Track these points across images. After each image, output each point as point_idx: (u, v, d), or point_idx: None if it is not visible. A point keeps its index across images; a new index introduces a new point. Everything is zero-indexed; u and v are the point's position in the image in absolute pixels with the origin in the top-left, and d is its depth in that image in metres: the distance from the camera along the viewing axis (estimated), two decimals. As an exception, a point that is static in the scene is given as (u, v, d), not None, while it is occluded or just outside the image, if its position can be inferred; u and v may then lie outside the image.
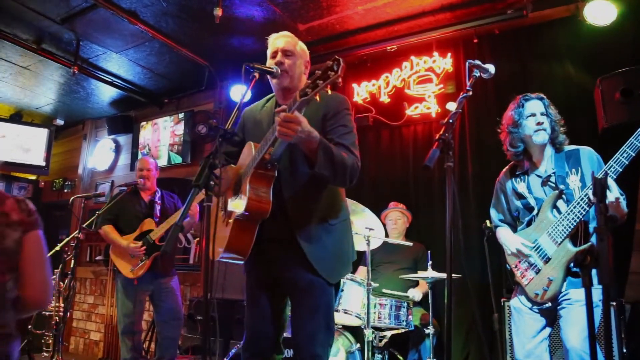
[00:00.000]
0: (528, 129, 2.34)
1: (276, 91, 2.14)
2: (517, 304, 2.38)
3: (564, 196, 2.24)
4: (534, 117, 2.34)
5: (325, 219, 1.97)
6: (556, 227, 2.18)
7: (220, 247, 1.99)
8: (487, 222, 2.69)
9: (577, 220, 2.12)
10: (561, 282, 2.14)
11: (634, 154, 2.02)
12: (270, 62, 2.07)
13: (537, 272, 2.23)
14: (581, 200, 2.11)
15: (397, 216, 4.03)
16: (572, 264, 2.13)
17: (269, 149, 1.84)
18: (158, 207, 3.90)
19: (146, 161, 4.01)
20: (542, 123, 2.32)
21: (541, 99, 2.40)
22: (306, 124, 1.74)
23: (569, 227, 2.13)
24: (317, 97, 1.71)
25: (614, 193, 2.02)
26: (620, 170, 2.03)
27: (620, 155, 2.03)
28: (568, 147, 2.37)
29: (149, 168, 3.97)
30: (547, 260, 2.20)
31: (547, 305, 2.23)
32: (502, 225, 2.53)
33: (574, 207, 2.13)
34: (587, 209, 2.10)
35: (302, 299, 1.94)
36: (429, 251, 3.52)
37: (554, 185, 2.29)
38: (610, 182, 2.02)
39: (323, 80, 1.61)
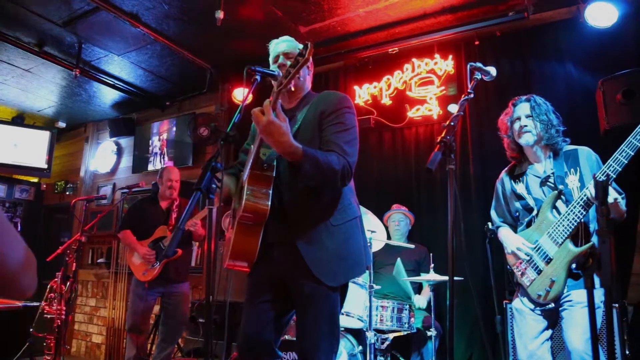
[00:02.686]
0: (515, 133, 2.40)
1: (281, 96, 2.14)
2: (518, 305, 2.38)
3: (563, 196, 2.25)
4: (519, 120, 2.39)
5: (326, 220, 1.90)
6: (556, 228, 2.18)
7: (227, 254, 1.97)
8: (489, 224, 2.70)
9: (577, 220, 2.12)
10: (563, 283, 2.14)
11: (633, 153, 2.02)
12: (273, 68, 2.06)
13: (539, 272, 2.23)
14: (581, 200, 2.11)
15: (400, 218, 4.03)
16: (573, 265, 2.13)
17: (259, 149, 1.83)
18: (174, 216, 3.97)
19: (176, 172, 4.05)
20: (526, 125, 2.35)
21: (528, 100, 2.42)
22: (275, 117, 1.68)
23: (570, 227, 2.14)
24: (292, 87, 1.89)
25: (612, 194, 2.02)
26: (620, 169, 2.03)
27: (620, 155, 2.03)
28: (567, 148, 2.37)
29: (177, 179, 4.02)
30: (548, 261, 2.20)
31: (549, 305, 2.23)
32: (503, 226, 2.53)
33: (574, 208, 2.13)
34: (588, 208, 2.10)
35: (305, 306, 1.88)
36: (431, 254, 3.52)
37: (552, 185, 2.29)
38: None
39: (294, 67, 1.66)
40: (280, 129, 1.67)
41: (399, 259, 3.58)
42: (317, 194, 1.90)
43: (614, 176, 2.03)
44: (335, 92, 2.11)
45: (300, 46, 2.12)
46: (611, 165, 2.04)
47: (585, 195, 2.10)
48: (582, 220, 2.14)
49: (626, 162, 2.02)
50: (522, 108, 2.41)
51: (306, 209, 1.89)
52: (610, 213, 2.02)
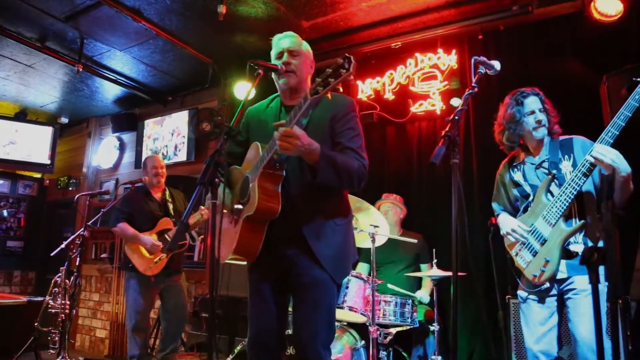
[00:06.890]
0: (528, 126, 2.41)
1: (282, 91, 2.13)
2: (523, 294, 2.41)
3: (556, 180, 2.30)
4: (534, 114, 2.40)
5: (332, 218, 1.99)
6: (550, 210, 2.23)
7: (227, 249, 1.99)
8: (492, 219, 2.70)
9: (569, 200, 2.16)
10: (557, 262, 2.17)
11: (630, 114, 2.03)
12: (276, 63, 2.07)
13: (534, 254, 2.27)
14: (572, 181, 2.16)
15: (387, 207, 3.96)
16: (567, 243, 2.17)
17: (277, 150, 1.84)
18: (171, 207, 3.97)
19: (160, 159, 4.06)
20: (542, 120, 2.38)
21: (537, 94, 2.45)
22: (305, 137, 1.77)
23: (562, 207, 2.18)
24: (329, 95, 1.82)
25: (610, 153, 2.01)
26: (617, 133, 2.04)
27: (617, 119, 2.06)
28: (562, 137, 2.42)
29: (162, 166, 4.03)
30: (543, 242, 2.25)
31: (545, 286, 2.26)
32: (503, 213, 2.57)
33: (566, 189, 2.18)
34: (578, 188, 2.13)
35: (306, 294, 1.94)
36: (434, 249, 3.51)
37: (547, 170, 2.34)
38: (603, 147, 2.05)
39: (335, 78, 1.60)
40: (309, 146, 1.78)
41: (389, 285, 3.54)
42: (326, 194, 1.98)
43: (611, 140, 2.06)
44: (342, 95, 2.15)
45: (305, 43, 2.13)
46: (610, 130, 2.07)
47: (587, 162, 2.10)
48: (575, 199, 2.17)
49: (624, 124, 2.04)
50: (534, 102, 2.43)
51: (315, 206, 1.96)
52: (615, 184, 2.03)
